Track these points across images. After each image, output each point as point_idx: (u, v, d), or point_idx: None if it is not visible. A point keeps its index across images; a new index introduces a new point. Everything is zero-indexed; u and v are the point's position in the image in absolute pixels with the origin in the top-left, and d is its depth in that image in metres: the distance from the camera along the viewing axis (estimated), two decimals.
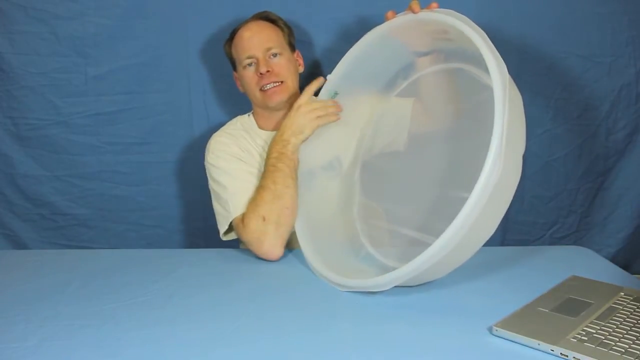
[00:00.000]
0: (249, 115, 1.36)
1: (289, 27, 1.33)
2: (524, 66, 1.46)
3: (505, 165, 0.80)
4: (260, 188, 1.17)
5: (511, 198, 0.89)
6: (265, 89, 1.25)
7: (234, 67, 1.34)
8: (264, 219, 1.12)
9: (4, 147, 1.48)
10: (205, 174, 1.28)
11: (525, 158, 1.56)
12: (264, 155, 1.27)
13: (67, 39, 1.41)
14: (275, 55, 1.26)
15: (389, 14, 1.08)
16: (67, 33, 1.40)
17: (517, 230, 1.57)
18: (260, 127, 1.33)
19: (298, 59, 1.34)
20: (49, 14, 1.39)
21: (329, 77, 1.19)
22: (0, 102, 1.45)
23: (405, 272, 0.86)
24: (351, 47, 1.16)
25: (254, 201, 1.16)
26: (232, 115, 1.38)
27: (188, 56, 1.45)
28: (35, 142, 1.47)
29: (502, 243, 1.56)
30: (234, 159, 1.24)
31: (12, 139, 1.47)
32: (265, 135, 1.31)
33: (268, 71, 1.23)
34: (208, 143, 1.29)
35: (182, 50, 1.44)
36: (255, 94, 1.27)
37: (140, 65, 1.44)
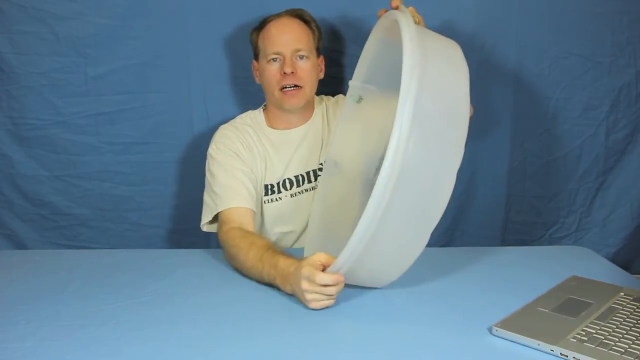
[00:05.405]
0: (259, 110, 1.36)
1: (320, 31, 1.32)
2: (524, 66, 1.47)
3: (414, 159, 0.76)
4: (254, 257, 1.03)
5: (440, 199, 0.82)
6: (285, 90, 1.24)
7: (256, 57, 1.33)
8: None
9: (4, 147, 1.47)
10: (205, 173, 1.28)
11: (525, 158, 1.55)
12: (264, 155, 1.28)
13: (67, 39, 1.40)
14: (302, 57, 1.25)
15: (380, 12, 1.07)
16: (67, 33, 1.40)
17: (517, 230, 1.57)
18: (269, 124, 1.33)
19: (321, 64, 1.34)
20: (49, 14, 1.39)
21: (350, 82, 1.18)
22: (0, 102, 1.45)
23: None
24: (352, 46, 1.15)
25: (235, 247, 1.08)
26: (232, 115, 1.38)
27: (188, 56, 1.45)
28: (35, 142, 1.47)
29: (502, 243, 1.55)
30: (232, 155, 1.25)
31: (12, 139, 1.47)
32: (273, 134, 1.31)
33: (292, 72, 1.23)
34: (215, 133, 1.30)
35: (182, 50, 1.44)
36: (273, 92, 1.26)
37: (140, 65, 1.44)
